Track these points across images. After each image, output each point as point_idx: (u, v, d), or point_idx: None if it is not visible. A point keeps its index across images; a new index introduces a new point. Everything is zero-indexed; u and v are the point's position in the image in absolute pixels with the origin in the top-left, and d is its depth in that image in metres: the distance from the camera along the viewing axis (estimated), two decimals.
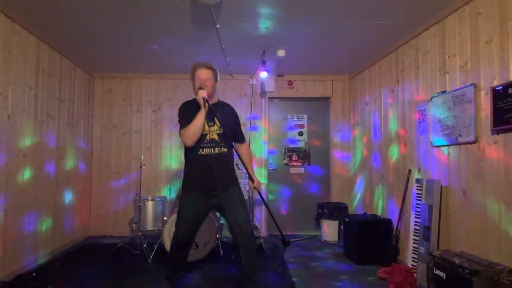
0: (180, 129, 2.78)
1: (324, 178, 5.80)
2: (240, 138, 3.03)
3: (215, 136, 2.79)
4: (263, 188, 5.54)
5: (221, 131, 2.79)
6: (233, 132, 2.92)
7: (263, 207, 5.58)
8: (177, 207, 2.91)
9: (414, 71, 3.82)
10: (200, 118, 2.69)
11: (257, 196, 5.30)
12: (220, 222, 4.51)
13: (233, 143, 2.93)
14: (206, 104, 2.69)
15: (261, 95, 5.71)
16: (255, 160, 5.59)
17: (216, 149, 2.78)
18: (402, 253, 3.92)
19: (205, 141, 2.76)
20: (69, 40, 4.14)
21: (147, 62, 5.06)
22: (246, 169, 2.90)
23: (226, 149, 2.82)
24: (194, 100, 2.82)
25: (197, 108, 2.73)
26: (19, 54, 3.55)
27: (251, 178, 2.86)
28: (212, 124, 2.79)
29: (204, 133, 2.75)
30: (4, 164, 3.33)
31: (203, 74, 2.81)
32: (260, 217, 5.58)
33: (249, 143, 5.30)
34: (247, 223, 2.84)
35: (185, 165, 2.88)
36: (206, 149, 2.76)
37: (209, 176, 2.74)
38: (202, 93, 2.69)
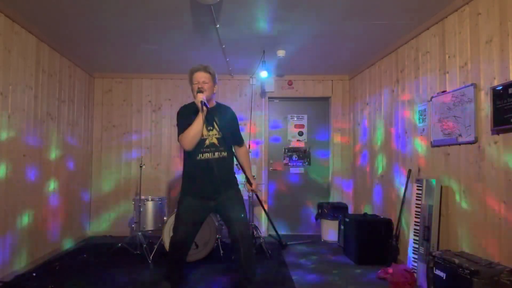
0: (179, 133, 2.74)
1: (324, 178, 5.80)
2: (239, 141, 3.01)
3: (215, 141, 2.76)
4: (263, 187, 5.54)
5: (220, 135, 2.75)
6: (231, 135, 2.90)
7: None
8: (177, 209, 2.90)
9: (414, 71, 3.82)
10: (198, 123, 2.64)
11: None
12: (220, 222, 4.51)
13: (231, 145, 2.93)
14: (204, 108, 2.65)
15: (261, 95, 5.71)
16: (256, 160, 5.59)
17: (216, 154, 2.76)
18: (402, 253, 3.92)
19: (205, 146, 2.73)
20: (69, 40, 4.14)
21: (147, 62, 5.06)
22: (244, 172, 2.91)
23: (226, 153, 2.79)
24: (193, 103, 2.79)
25: (196, 111, 2.69)
26: (19, 54, 3.55)
27: (248, 181, 2.88)
28: (211, 128, 2.76)
29: (203, 137, 2.72)
30: (4, 165, 3.33)
31: (201, 77, 2.76)
32: (259, 217, 5.58)
33: (248, 145, 5.30)
34: (246, 224, 2.84)
35: (184, 169, 2.86)
36: (206, 154, 2.73)
37: (209, 181, 2.73)
38: (201, 97, 2.65)
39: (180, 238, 2.79)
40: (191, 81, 2.81)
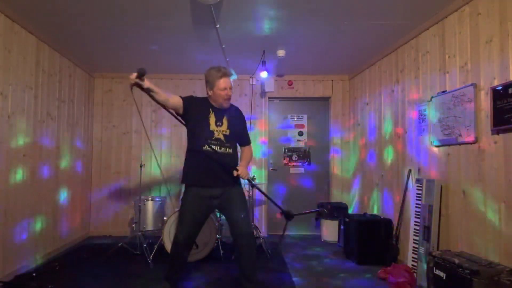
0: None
1: (324, 178, 5.80)
2: (246, 141, 3.07)
3: (221, 136, 2.81)
4: (263, 187, 5.53)
5: (228, 132, 2.82)
6: (240, 135, 2.97)
7: (263, 207, 5.58)
8: (178, 207, 2.91)
9: (414, 71, 3.82)
10: (161, 94, 2.70)
11: (257, 197, 5.31)
12: (220, 222, 4.51)
13: (238, 145, 3.00)
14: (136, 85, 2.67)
15: (261, 95, 5.71)
16: (256, 160, 5.59)
17: (222, 149, 2.80)
18: (402, 253, 3.92)
19: (212, 139, 2.79)
20: (69, 40, 4.14)
21: (147, 62, 5.05)
22: (241, 161, 2.96)
23: (230, 150, 2.84)
24: (203, 98, 2.89)
25: (203, 105, 2.81)
26: (19, 54, 3.55)
27: (235, 168, 2.83)
28: (220, 124, 2.83)
29: (211, 131, 2.79)
30: (4, 164, 3.33)
31: (229, 84, 2.78)
32: (260, 217, 5.58)
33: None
34: (248, 223, 2.84)
35: (187, 159, 2.88)
36: (212, 146, 2.77)
37: (212, 171, 2.77)
38: (133, 79, 2.67)
39: (183, 236, 2.80)
40: (215, 81, 2.76)
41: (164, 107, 2.75)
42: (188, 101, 2.81)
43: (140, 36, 4.01)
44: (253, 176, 5.04)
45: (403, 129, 4.04)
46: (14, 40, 3.47)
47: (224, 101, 2.80)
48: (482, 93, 2.83)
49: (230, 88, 2.80)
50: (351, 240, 4.26)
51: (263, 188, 5.56)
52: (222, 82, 2.75)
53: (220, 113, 2.83)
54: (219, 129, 2.81)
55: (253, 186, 3.05)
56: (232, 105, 3.01)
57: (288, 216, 2.89)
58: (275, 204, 3.04)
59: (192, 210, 2.80)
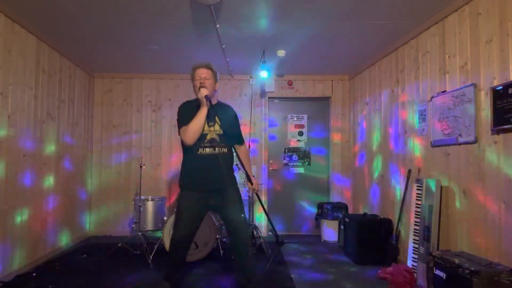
0: (179, 127, 2.77)
1: (324, 178, 5.80)
2: (240, 140, 3.04)
3: (215, 136, 2.79)
4: (263, 187, 5.54)
5: (222, 131, 2.79)
6: (233, 133, 2.93)
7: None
8: (177, 207, 2.91)
9: (414, 71, 3.82)
10: (201, 116, 2.69)
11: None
12: (220, 221, 4.50)
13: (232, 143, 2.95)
14: (208, 103, 2.70)
15: (261, 95, 5.71)
16: (256, 160, 5.59)
17: (216, 149, 2.78)
18: (402, 253, 3.92)
19: (205, 141, 2.76)
20: (69, 40, 4.14)
21: (147, 62, 5.06)
22: (245, 170, 2.91)
23: (226, 150, 2.82)
24: (195, 100, 2.84)
25: (198, 107, 2.74)
26: (19, 54, 3.55)
27: (249, 180, 2.88)
28: (213, 124, 2.79)
29: (204, 132, 2.76)
30: (4, 165, 3.33)
31: (203, 73, 2.81)
32: (260, 217, 5.58)
33: (248, 145, 5.30)
34: (245, 223, 2.84)
35: (183, 163, 2.88)
36: (206, 149, 2.76)
37: (209, 175, 2.75)
38: (205, 92, 2.71)
39: (181, 236, 2.79)
40: (193, 78, 2.85)
41: None
42: (181, 112, 2.83)
43: (140, 36, 4.02)
44: (253, 175, 5.03)
45: (403, 129, 4.04)
46: (14, 40, 3.47)
47: (198, 90, 2.75)
48: (482, 93, 2.83)
49: (205, 78, 2.79)
50: (351, 240, 4.26)
51: (263, 188, 5.57)
52: (196, 74, 2.82)
53: (211, 112, 2.76)
54: (212, 129, 2.78)
55: (258, 198, 3.05)
56: (223, 103, 3.01)
57: (281, 242, 2.97)
58: (272, 227, 3.22)
59: (188, 210, 2.79)
